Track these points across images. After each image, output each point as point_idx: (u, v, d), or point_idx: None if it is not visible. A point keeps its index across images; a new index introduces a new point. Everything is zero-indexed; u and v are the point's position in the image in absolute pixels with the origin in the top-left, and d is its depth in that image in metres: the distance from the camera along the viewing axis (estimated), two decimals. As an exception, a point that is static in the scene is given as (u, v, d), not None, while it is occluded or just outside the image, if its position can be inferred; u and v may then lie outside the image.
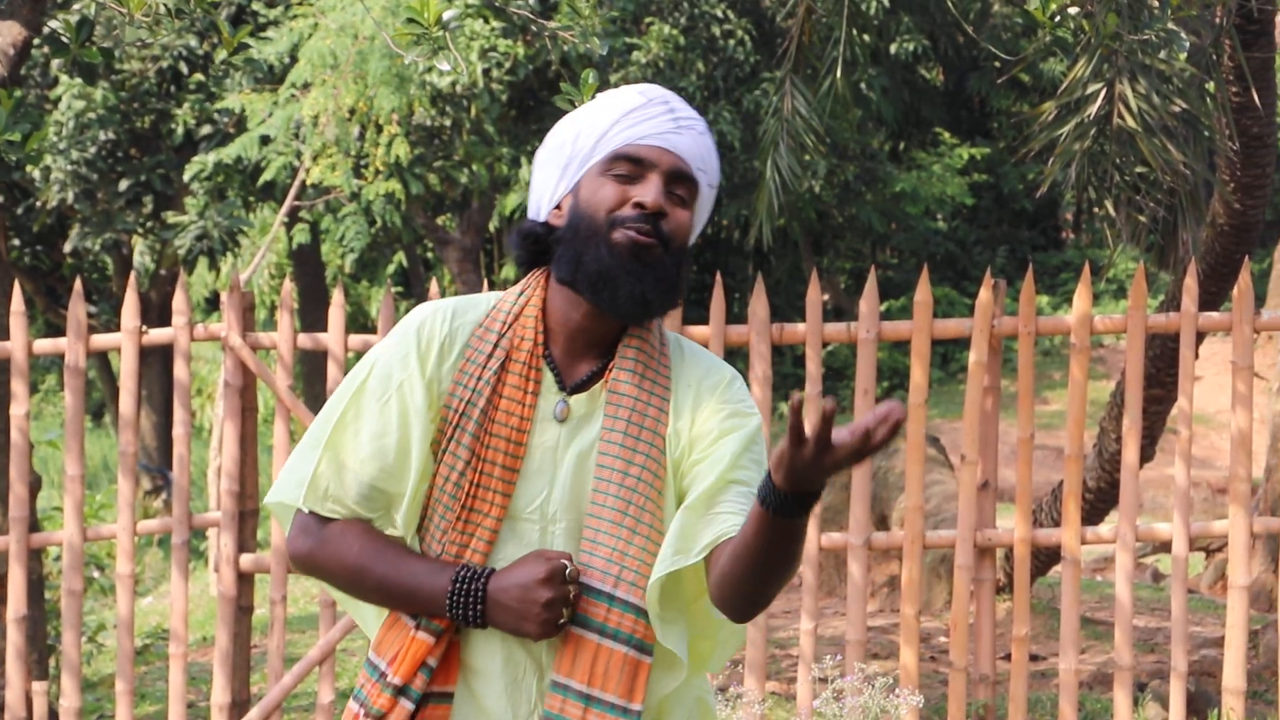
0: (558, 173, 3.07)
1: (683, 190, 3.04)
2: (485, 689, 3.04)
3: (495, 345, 3.04)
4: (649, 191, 3.00)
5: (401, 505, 3.03)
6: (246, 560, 7.89)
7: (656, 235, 3.00)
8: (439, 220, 19.20)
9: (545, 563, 2.94)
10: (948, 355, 25.36)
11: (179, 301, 7.86)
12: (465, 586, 2.97)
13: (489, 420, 3.02)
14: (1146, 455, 9.17)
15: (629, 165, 3.02)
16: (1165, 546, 11.43)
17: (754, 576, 2.87)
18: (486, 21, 14.02)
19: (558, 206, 3.08)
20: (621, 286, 2.99)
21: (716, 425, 3.04)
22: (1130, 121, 7.80)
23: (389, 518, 3.06)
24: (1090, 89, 7.93)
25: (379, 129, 13.83)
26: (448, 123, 14.31)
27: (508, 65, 14.15)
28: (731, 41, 20.50)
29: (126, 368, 7.90)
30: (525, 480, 3.03)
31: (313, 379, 21.10)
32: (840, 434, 2.62)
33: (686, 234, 3.05)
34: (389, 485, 3.03)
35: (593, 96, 7.03)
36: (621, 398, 3.04)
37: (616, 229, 3.00)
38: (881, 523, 10.75)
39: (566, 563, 2.95)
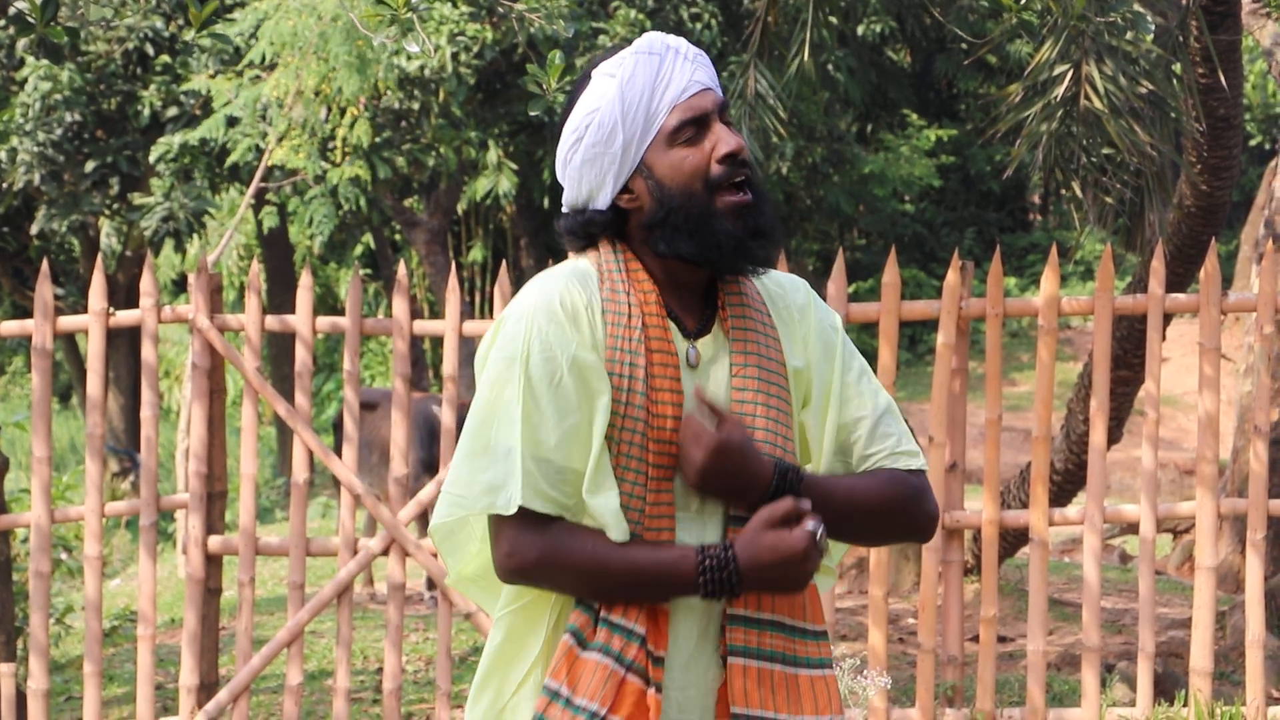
0: (612, 163, 3.06)
1: (728, 114, 3.09)
2: (671, 664, 3.04)
3: (629, 304, 3.04)
4: (724, 140, 3.05)
5: (591, 482, 2.98)
6: (214, 542, 7.88)
7: (749, 177, 3.05)
8: (406, 203, 19.17)
9: (799, 537, 2.93)
10: (915, 337, 25.39)
11: (146, 283, 7.84)
12: (715, 568, 2.95)
13: (651, 376, 3.02)
14: (1114, 437, 9.20)
15: (692, 127, 3.04)
16: (1133, 528, 11.48)
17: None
18: (455, 5, 13.98)
19: (626, 191, 3.07)
20: (753, 252, 3.06)
21: (827, 369, 3.17)
22: (1097, 103, 7.81)
23: (581, 505, 3.00)
24: (1057, 71, 7.94)
25: (342, 111, 13.80)
26: (415, 106, 14.28)
27: (475, 49, 14.12)
28: (699, 25, 20.47)
29: (94, 349, 7.88)
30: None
31: (280, 361, 21.05)
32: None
33: (746, 153, 3.09)
34: (583, 465, 2.98)
35: (560, 78, 7.02)
36: (745, 333, 3.09)
37: (717, 194, 3.04)
38: (850, 504, 10.76)
39: (813, 525, 2.95)
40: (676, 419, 3.01)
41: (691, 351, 3.06)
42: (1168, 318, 7.90)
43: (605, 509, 2.96)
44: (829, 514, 3.01)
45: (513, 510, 2.96)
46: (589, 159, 3.07)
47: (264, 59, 13.61)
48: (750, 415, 3.05)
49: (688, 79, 3.06)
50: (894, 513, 3.13)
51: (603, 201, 3.08)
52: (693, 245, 3.04)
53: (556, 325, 3.00)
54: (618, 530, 2.96)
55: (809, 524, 2.92)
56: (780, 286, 3.20)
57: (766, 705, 3.01)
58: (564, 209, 3.14)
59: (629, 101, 3.04)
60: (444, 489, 3.04)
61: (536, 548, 2.96)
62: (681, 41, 3.12)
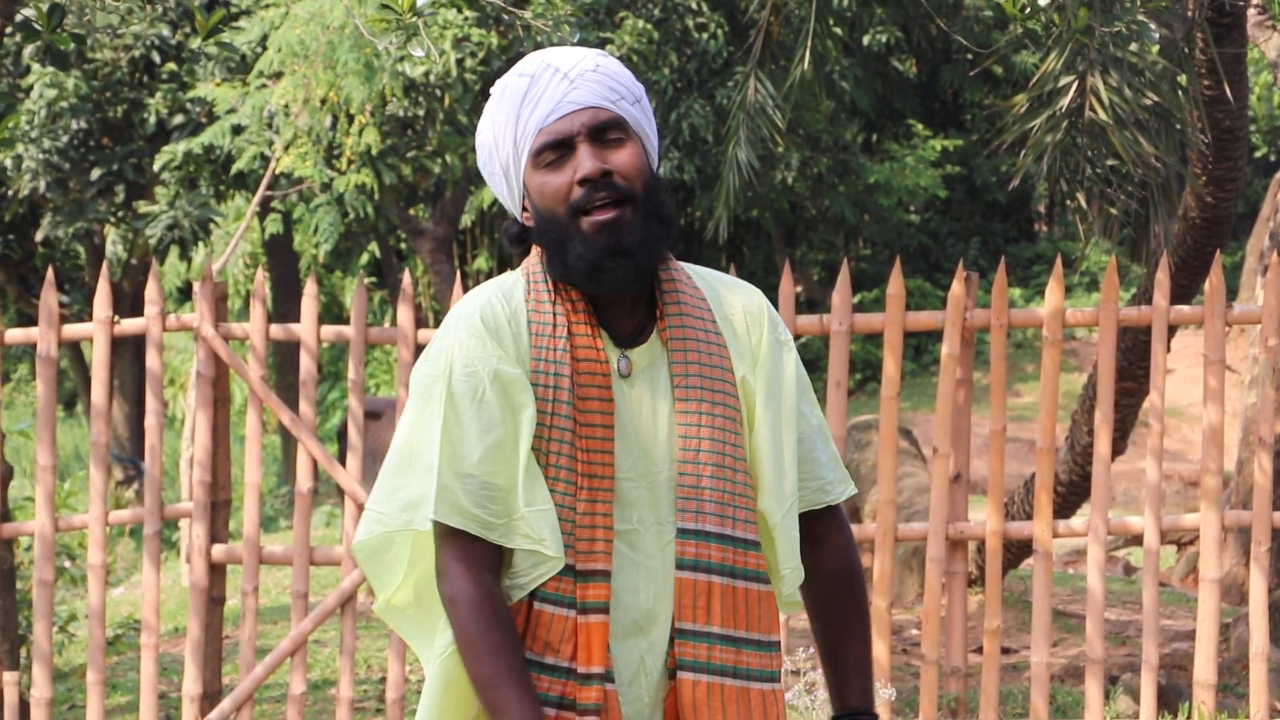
0: (503, 183, 3.07)
1: (614, 133, 3.02)
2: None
3: (554, 314, 3.02)
4: (583, 163, 2.98)
5: (518, 496, 2.95)
6: (218, 551, 7.88)
7: (617, 198, 2.99)
8: (412, 211, 19.17)
9: None
10: (920, 347, 25.38)
11: (151, 291, 7.84)
12: None
13: (577, 385, 2.99)
14: (1118, 448, 9.20)
15: (553, 151, 3.00)
16: (1137, 539, 11.46)
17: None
18: (460, 11, 13.99)
19: (525, 209, 3.07)
20: (611, 272, 2.99)
21: (770, 372, 3.13)
22: (1102, 114, 7.81)
23: (510, 526, 2.96)
24: (1062, 82, 7.94)
25: (350, 119, 13.80)
26: (421, 113, 14.29)
27: (481, 55, 14.12)
28: (704, 34, 20.48)
29: (99, 358, 7.88)
30: (624, 442, 3.02)
31: (285, 369, 21.05)
32: None
33: (642, 164, 3.03)
34: (507, 480, 2.95)
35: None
36: (685, 341, 3.06)
37: (580, 217, 2.99)
38: (854, 515, 10.76)
39: None
40: (607, 428, 2.98)
41: (623, 361, 3.04)
42: (1172, 329, 7.90)
43: (542, 522, 2.94)
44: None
45: (428, 526, 2.95)
46: (487, 175, 3.08)
47: (271, 67, 13.62)
48: (695, 425, 3.02)
49: (559, 99, 2.99)
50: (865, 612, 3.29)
51: (517, 214, 3.08)
52: (557, 267, 3.02)
53: (478, 340, 2.98)
54: (553, 544, 2.94)
55: None
56: (731, 292, 3.16)
57: (717, 718, 3.01)
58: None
59: (498, 125, 3.02)
60: (366, 507, 3.03)
61: (453, 587, 2.95)
62: (568, 55, 3.05)
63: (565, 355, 2.99)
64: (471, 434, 2.95)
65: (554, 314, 3.01)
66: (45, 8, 6.78)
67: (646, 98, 3.10)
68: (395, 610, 3.12)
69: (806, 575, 3.16)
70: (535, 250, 3.08)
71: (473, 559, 2.95)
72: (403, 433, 3.01)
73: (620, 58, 17.89)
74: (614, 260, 2.98)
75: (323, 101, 13.41)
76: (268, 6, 14.03)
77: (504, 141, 3.02)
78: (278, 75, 13.76)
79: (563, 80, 3.00)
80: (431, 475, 2.94)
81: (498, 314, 3.01)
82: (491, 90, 3.07)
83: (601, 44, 17.12)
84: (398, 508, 2.99)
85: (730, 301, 3.14)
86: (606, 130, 3.00)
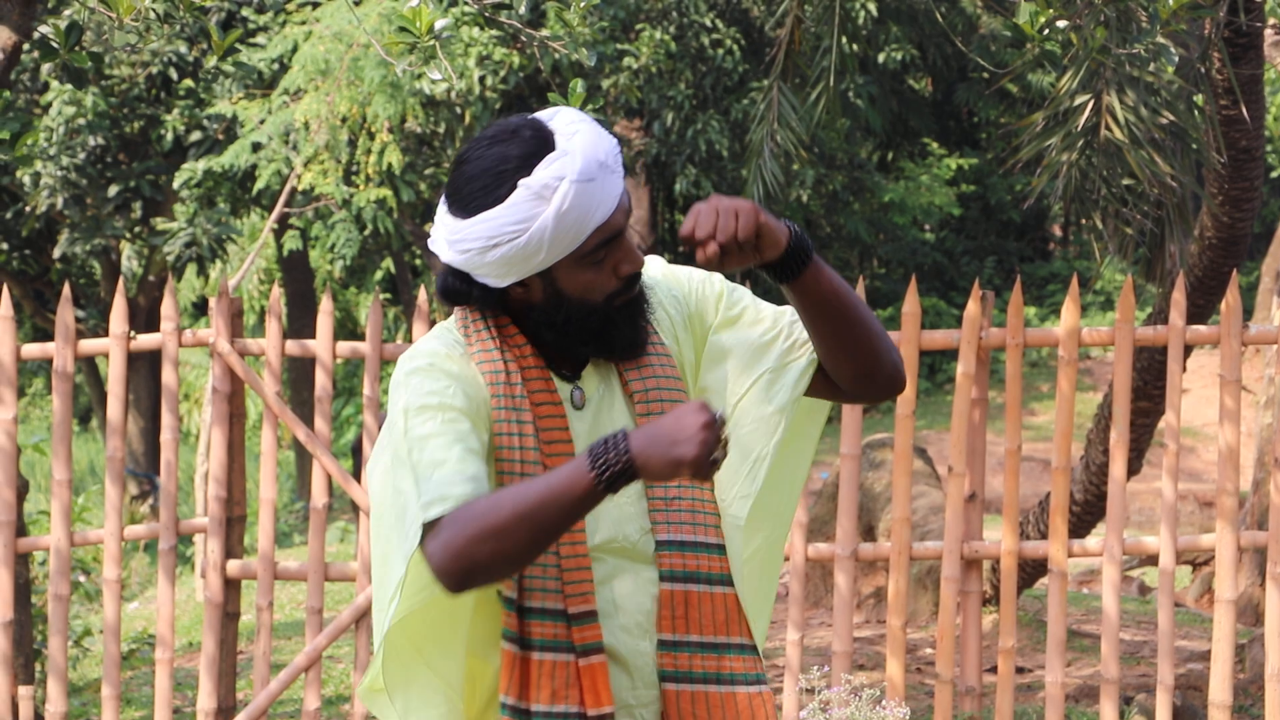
0: (520, 269, 2.96)
1: (629, 211, 3.04)
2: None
3: (504, 363, 3.03)
4: (630, 258, 2.99)
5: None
6: (233, 566, 7.89)
7: (639, 278, 3.05)
8: (427, 227, 19.19)
9: (696, 412, 2.81)
10: (935, 365, 25.37)
11: (167, 307, 7.86)
12: (606, 450, 2.81)
13: (540, 430, 3.01)
14: (1134, 468, 9.18)
15: (603, 248, 2.97)
16: (1152, 559, 11.44)
17: (834, 329, 3.09)
18: (483, 29, 14.02)
19: (521, 284, 3.01)
20: (621, 337, 3.04)
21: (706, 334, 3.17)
22: (1118, 133, 7.81)
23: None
24: (1078, 100, 7.94)
25: (371, 136, 13.83)
26: (440, 129, 14.32)
27: (503, 73, 14.15)
28: (720, 51, 20.51)
29: (114, 373, 7.89)
30: None
31: (300, 385, 21.07)
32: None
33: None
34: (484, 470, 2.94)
35: (581, 106, 7.04)
36: (635, 365, 3.09)
37: (612, 300, 3.01)
38: (868, 534, 10.75)
39: (722, 412, 2.85)
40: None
41: (576, 393, 3.06)
42: (1188, 349, 7.89)
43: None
44: (823, 288, 3.03)
45: (428, 520, 2.88)
46: (499, 261, 2.96)
47: (295, 84, 13.65)
48: None
49: (614, 198, 2.96)
50: (873, 322, 3.13)
51: (494, 285, 3.01)
52: (588, 345, 3.04)
53: (431, 379, 2.97)
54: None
55: (712, 409, 2.82)
56: (651, 285, 3.17)
57: None
58: (445, 272, 3.06)
59: (562, 229, 2.92)
60: (374, 606, 3.01)
61: (446, 540, 2.84)
62: (607, 146, 2.97)
63: (524, 401, 3.01)
64: (443, 442, 2.92)
65: (504, 362, 3.02)
66: (63, 26, 6.80)
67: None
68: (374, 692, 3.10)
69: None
70: (462, 308, 3.06)
71: None
72: (378, 507, 3.01)
73: (637, 72, 17.91)
74: (627, 327, 3.04)
75: (343, 119, 13.44)
76: (287, 24, 14.06)
77: (562, 243, 2.93)
78: (299, 93, 13.80)
79: (611, 175, 2.96)
80: (411, 498, 2.92)
81: (449, 361, 3.01)
82: (526, 183, 2.92)
83: (619, 57, 17.13)
84: (414, 590, 2.97)
85: (651, 292, 3.14)
86: (627, 209, 3.02)
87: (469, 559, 2.83)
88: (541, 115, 3.01)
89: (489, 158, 2.94)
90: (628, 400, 3.09)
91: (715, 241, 2.88)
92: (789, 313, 3.19)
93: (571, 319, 3.01)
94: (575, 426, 3.05)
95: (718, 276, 3.19)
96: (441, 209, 3.04)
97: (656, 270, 3.20)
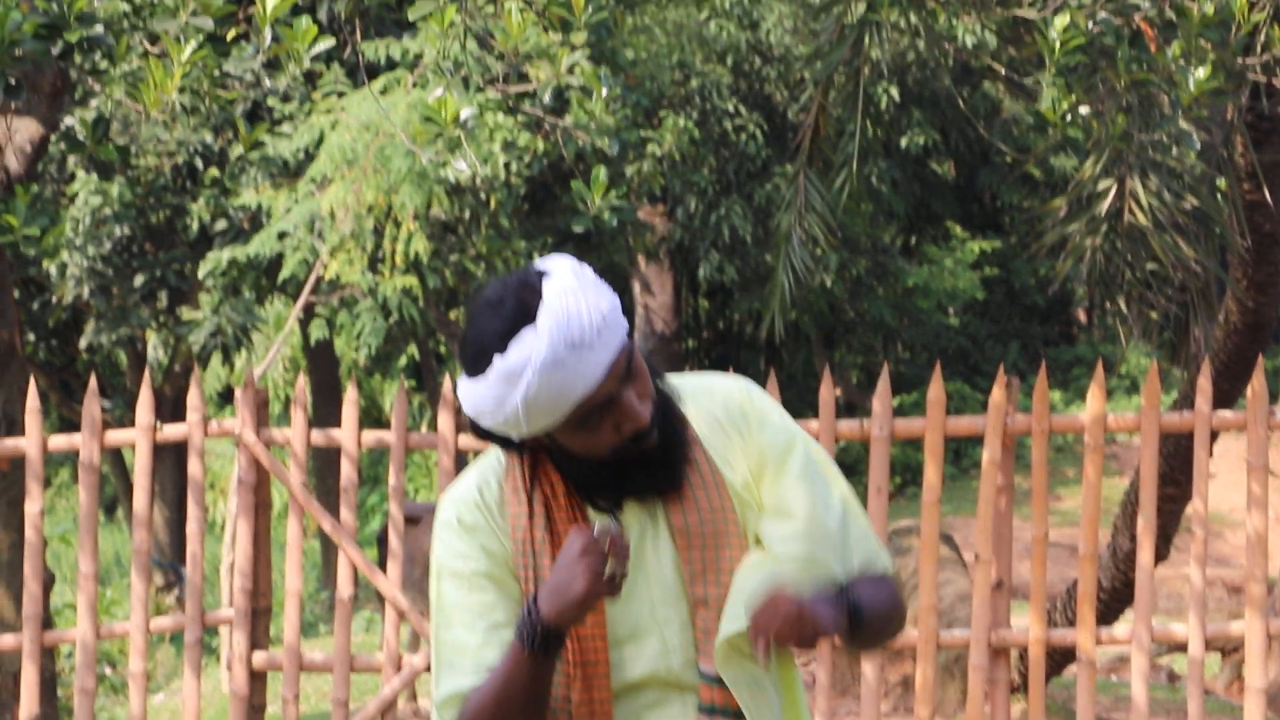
0: (511, 428, 2.94)
1: (635, 362, 2.97)
2: None
3: (530, 504, 3.02)
4: (631, 416, 2.93)
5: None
6: (259, 658, 7.87)
7: (648, 432, 2.97)
8: (451, 314, 19.23)
9: (585, 553, 2.83)
10: (960, 450, 25.28)
11: (193, 398, 7.87)
12: (524, 618, 2.88)
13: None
14: (1161, 554, 9.14)
15: (597, 412, 2.92)
16: (1181, 647, 11.38)
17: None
18: (509, 114, 14.07)
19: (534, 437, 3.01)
20: (646, 483, 3.01)
21: (773, 477, 3.08)
22: (1141, 218, 7.82)
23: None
24: (1101, 185, 7.96)
25: (397, 224, 13.86)
26: (465, 215, 14.35)
27: (527, 159, 14.20)
28: (743, 136, 20.58)
29: (140, 465, 7.90)
30: (625, 604, 3.00)
31: (325, 473, 21.06)
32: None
33: (650, 390, 2.98)
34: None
35: (604, 194, 7.05)
36: (678, 499, 3.04)
37: (621, 453, 2.97)
38: (895, 620, 10.69)
39: (603, 525, 2.85)
40: (597, 612, 2.98)
41: (614, 526, 2.98)
42: (1214, 434, 7.87)
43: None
44: (866, 636, 3.05)
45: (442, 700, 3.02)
46: (495, 424, 2.96)
47: (321, 173, 13.70)
48: (700, 573, 3.02)
49: (596, 372, 2.89)
50: (899, 622, 3.18)
51: (513, 436, 3.00)
52: (608, 493, 3.03)
53: (457, 543, 3.03)
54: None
55: (592, 529, 2.83)
56: (706, 395, 3.12)
57: None
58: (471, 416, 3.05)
59: (535, 410, 2.90)
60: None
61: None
62: (583, 323, 2.90)
63: (545, 546, 3.00)
64: (467, 618, 3.01)
65: (529, 503, 3.02)
66: (89, 119, 6.84)
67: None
68: None
69: None
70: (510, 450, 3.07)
71: None
72: (434, 622, 3.10)
73: (660, 158, 17.96)
74: (648, 478, 3.00)
75: (369, 208, 13.49)
76: (311, 113, 14.13)
77: (539, 422, 2.93)
78: (325, 181, 13.85)
79: (588, 352, 2.88)
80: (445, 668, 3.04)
81: (475, 515, 3.04)
82: (497, 368, 2.90)
83: (642, 144, 17.18)
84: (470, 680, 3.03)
85: (705, 404, 3.10)
86: (631, 363, 2.96)
87: None
88: (538, 270, 2.96)
89: (477, 328, 2.94)
90: (671, 536, 3.04)
91: (768, 646, 2.87)
92: (812, 539, 3.07)
93: (584, 471, 3.00)
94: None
95: (795, 458, 3.09)
96: None
97: (748, 394, 3.14)
